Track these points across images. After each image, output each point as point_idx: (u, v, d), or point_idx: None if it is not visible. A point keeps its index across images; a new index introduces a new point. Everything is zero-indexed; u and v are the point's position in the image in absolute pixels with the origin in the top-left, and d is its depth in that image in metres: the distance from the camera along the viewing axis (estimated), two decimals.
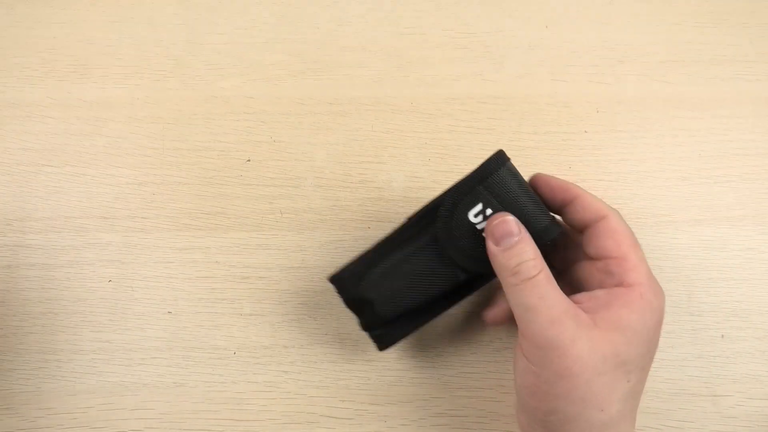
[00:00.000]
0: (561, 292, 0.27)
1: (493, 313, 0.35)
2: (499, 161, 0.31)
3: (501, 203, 0.30)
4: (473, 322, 0.39)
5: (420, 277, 0.33)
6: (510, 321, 0.33)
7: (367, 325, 0.35)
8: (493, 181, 0.31)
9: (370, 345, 0.39)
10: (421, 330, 0.39)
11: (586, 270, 0.31)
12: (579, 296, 0.29)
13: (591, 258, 0.31)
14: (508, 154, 0.44)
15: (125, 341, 0.39)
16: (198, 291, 0.40)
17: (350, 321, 0.39)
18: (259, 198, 0.42)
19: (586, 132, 0.45)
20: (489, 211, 0.31)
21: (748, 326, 0.39)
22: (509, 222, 0.29)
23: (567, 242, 0.34)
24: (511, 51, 0.47)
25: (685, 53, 0.47)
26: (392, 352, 0.39)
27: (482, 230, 0.31)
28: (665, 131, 0.45)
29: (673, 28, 0.48)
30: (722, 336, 0.39)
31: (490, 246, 0.29)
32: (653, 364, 0.38)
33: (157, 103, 0.45)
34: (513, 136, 0.44)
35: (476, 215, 0.31)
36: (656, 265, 0.41)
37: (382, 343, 0.35)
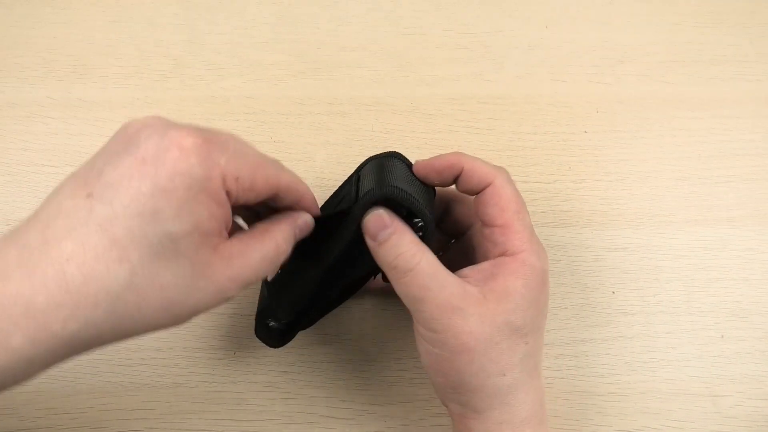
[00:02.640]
0: (446, 273, 0.28)
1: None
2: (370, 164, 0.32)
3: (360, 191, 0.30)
4: None
5: (300, 281, 0.33)
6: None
7: (259, 314, 0.35)
8: (362, 174, 0.32)
9: (370, 345, 0.39)
10: None
11: (478, 237, 0.32)
12: (467, 270, 0.29)
13: (482, 225, 0.31)
14: (508, 153, 0.44)
15: (125, 341, 0.39)
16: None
17: (350, 321, 0.39)
18: None
19: (586, 132, 0.45)
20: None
21: (748, 326, 0.39)
22: (381, 216, 0.28)
23: (461, 210, 0.35)
24: (511, 51, 0.47)
25: (685, 53, 0.47)
26: (392, 353, 0.39)
27: None
28: (665, 131, 0.45)
29: (673, 28, 0.48)
30: (722, 336, 0.39)
31: (369, 242, 0.29)
32: (653, 364, 0.38)
33: (157, 103, 0.45)
34: (513, 136, 0.44)
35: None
36: (656, 265, 0.41)
37: (281, 339, 0.35)
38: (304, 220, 0.29)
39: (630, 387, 0.38)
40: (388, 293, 0.38)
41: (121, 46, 0.47)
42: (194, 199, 0.23)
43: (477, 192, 0.31)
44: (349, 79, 0.46)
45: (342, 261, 0.30)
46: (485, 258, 0.30)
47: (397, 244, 0.28)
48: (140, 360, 0.38)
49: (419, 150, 0.44)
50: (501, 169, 0.31)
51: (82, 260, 0.21)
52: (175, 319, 0.24)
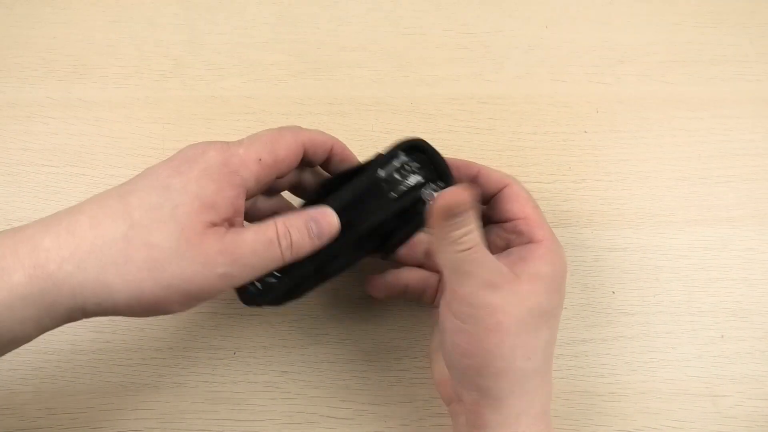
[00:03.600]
0: (490, 254, 0.29)
1: (379, 283, 0.36)
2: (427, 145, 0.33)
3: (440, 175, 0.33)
4: None
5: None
6: (394, 295, 0.36)
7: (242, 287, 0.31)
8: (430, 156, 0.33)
9: (370, 345, 0.39)
10: (421, 329, 0.39)
11: (492, 234, 0.34)
12: (498, 256, 0.31)
13: (499, 222, 0.33)
14: (508, 153, 0.44)
15: (125, 341, 0.39)
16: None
17: (350, 321, 0.39)
18: None
19: (586, 132, 0.45)
20: (416, 178, 0.33)
21: (748, 326, 0.39)
22: (463, 193, 0.28)
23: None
24: (511, 51, 0.47)
25: (685, 53, 0.47)
26: (392, 353, 0.39)
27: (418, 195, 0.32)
28: (665, 131, 0.45)
29: (673, 28, 0.48)
30: (722, 336, 0.39)
31: (437, 216, 0.28)
32: (653, 364, 0.38)
33: (157, 103, 0.45)
34: (513, 136, 0.44)
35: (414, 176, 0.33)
36: (656, 265, 0.41)
37: (257, 299, 0.32)
38: (319, 211, 0.30)
39: (630, 387, 0.38)
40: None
41: (121, 46, 0.47)
42: (205, 177, 0.27)
43: (493, 193, 0.34)
44: (349, 79, 0.46)
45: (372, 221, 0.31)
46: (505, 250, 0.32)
47: (468, 223, 0.28)
48: (140, 360, 0.38)
49: None
50: (507, 174, 0.34)
51: (93, 214, 0.26)
52: (158, 284, 0.25)
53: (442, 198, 0.28)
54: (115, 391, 0.38)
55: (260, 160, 0.29)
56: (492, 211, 0.34)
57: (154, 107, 0.45)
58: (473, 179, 0.34)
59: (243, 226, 0.29)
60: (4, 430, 0.37)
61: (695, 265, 0.41)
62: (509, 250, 0.32)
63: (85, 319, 0.39)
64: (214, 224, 0.26)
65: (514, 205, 0.32)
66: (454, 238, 0.28)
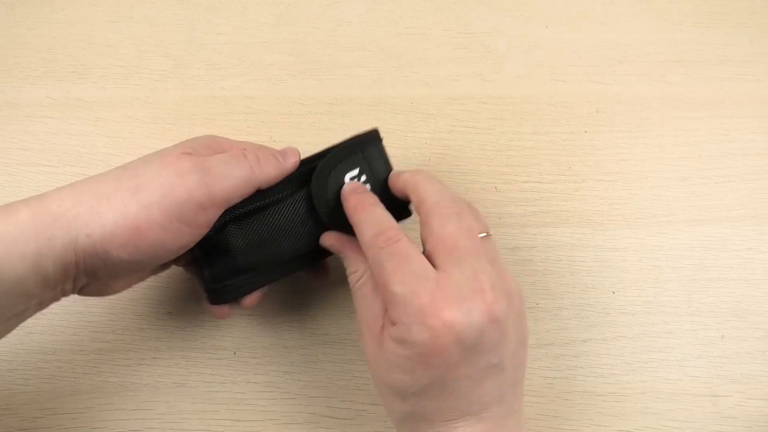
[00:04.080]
0: (418, 252, 0.28)
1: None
2: (375, 138, 0.34)
3: (374, 175, 0.33)
4: None
5: (288, 229, 0.33)
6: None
7: (215, 277, 0.33)
8: (370, 153, 0.34)
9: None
10: None
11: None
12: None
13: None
14: (508, 153, 0.44)
15: (125, 341, 0.39)
16: (198, 291, 0.40)
17: (351, 321, 0.39)
18: None
19: (586, 132, 0.45)
20: (363, 178, 0.33)
21: (748, 326, 0.39)
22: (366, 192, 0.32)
23: None
24: (511, 51, 0.47)
25: (685, 53, 0.47)
26: None
27: None
28: (665, 131, 0.45)
29: (673, 28, 0.48)
30: (722, 336, 0.39)
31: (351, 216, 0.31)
32: (653, 364, 0.38)
33: (157, 103, 0.45)
34: (513, 136, 0.44)
35: (351, 179, 0.33)
36: (656, 265, 0.41)
37: (226, 295, 0.33)
38: (284, 148, 0.33)
39: (630, 387, 0.38)
40: None
41: (121, 46, 0.47)
42: (192, 141, 0.32)
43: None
44: (349, 79, 0.46)
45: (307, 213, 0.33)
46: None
47: (384, 219, 0.30)
48: (140, 360, 0.38)
49: (419, 150, 0.44)
50: (422, 172, 0.32)
51: (96, 175, 0.29)
52: (138, 202, 0.28)
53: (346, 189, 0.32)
54: (115, 391, 0.38)
55: (245, 150, 0.32)
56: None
57: (154, 107, 0.45)
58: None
59: None
60: (4, 430, 0.37)
61: (695, 265, 0.41)
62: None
63: (84, 319, 0.39)
64: (185, 154, 0.30)
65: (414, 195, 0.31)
66: (371, 233, 0.29)
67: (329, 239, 0.33)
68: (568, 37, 0.48)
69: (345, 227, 0.31)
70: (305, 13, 0.48)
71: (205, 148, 0.31)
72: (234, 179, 0.30)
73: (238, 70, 0.46)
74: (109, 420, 0.37)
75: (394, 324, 0.26)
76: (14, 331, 0.39)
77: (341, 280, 0.40)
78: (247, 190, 0.31)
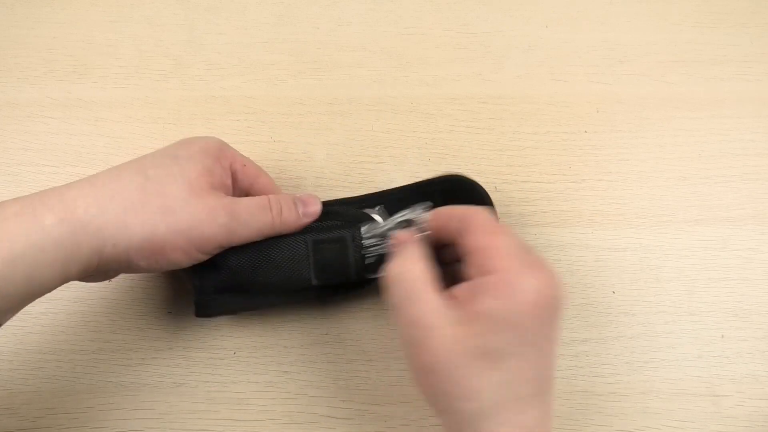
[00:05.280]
0: (431, 290, 0.28)
1: None
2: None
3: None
4: None
5: (282, 265, 0.34)
6: None
7: (202, 289, 0.34)
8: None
9: (370, 345, 0.39)
10: None
11: (464, 270, 0.30)
12: (457, 288, 0.29)
13: (466, 255, 0.30)
14: (508, 153, 0.44)
15: (125, 341, 0.39)
16: None
17: (350, 321, 0.39)
18: None
19: (586, 132, 0.45)
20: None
21: (748, 326, 0.39)
22: (399, 235, 0.33)
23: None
24: (511, 51, 0.47)
25: (685, 53, 0.47)
26: (392, 352, 0.39)
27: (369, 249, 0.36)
28: (665, 131, 0.45)
29: (673, 28, 0.48)
30: (722, 336, 0.39)
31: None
32: (653, 364, 0.38)
33: (157, 103, 0.45)
34: (513, 136, 0.44)
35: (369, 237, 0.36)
36: (656, 265, 0.41)
37: (211, 309, 0.35)
38: (306, 195, 0.36)
39: (630, 387, 0.38)
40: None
41: (121, 46, 0.47)
42: (204, 152, 0.33)
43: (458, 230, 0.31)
44: (349, 79, 0.46)
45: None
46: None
47: (401, 254, 0.31)
48: (140, 360, 0.38)
49: (419, 150, 0.44)
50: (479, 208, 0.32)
51: (111, 173, 0.31)
52: (168, 225, 0.29)
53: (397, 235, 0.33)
54: (115, 391, 0.38)
55: (245, 165, 0.35)
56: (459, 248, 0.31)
57: (154, 107, 0.45)
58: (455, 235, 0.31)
59: None
60: (4, 430, 0.37)
61: (695, 265, 0.41)
62: (466, 283, 0.29)
63: (84, 319, 0.39)
64: (209, 184, 0.32)
65: (470, 238, 0.29)
66: (388, 269, 0.30)
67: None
68: (568, 37, 0.48)
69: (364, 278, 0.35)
70: (305, 13, 0.48)
71: (218, 165, 0.33)
72: (256, 230, 0.33)
73: (238, 70, 0.46)
74: (109, 420, 0.37)
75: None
76: (14, 331, 0.39)
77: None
78: (263, 237, 0.33)
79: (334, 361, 0.39)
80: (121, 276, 0.40)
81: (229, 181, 0.34)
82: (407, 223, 0.34)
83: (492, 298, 0.27)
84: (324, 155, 0.43)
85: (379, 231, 0.35)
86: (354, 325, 0.39)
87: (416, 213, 0.34)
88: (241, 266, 0.34)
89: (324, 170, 0.43)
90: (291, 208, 0.34)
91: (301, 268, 0.34)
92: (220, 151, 0.34)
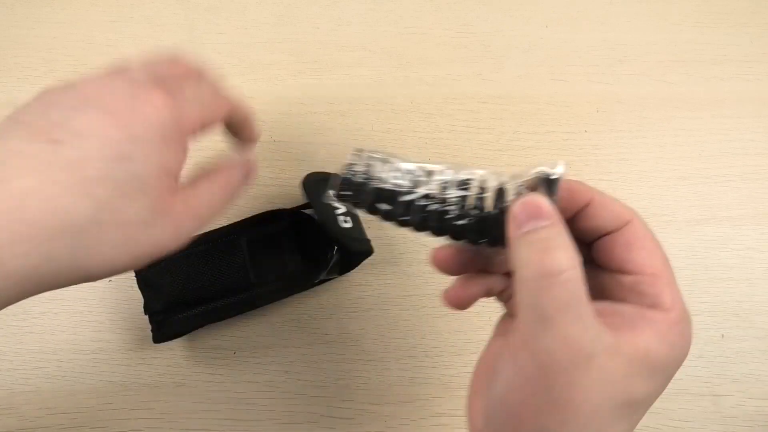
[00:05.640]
0: (588, 300, 0.21)
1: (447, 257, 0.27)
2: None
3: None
4: (474, 322, 0.39)
5: (218, 270, 0.36)
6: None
7: (151, 312, 0.36)
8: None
9: (370, 345, 0.39)
10: (421, 329, 0.39)
11: (597, 282, 0.25)
12: (602, 305, 0.24)
13: (612, 270, 0.25)
14: (508, 153, 0.44)
15: (125, 341, 0.39)
16: None
17: (350, 321, 0.39)
18: (258, 198, 0.42)
19: (586, 132, 0.45)
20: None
21: (748, 326, 0.39)
22: (540, 202, 0.23)
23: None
24: (511, 51, 0.47)
25: (685, 53, 0.47)
26: (392, 353, 0.39)
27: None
28: (665, 131, 0.45)
29: (673, 28, 0.48)
30: (722, 336, 0.39)
31: (512, 231, 0.23)
32: None
33: None
34: (513, 136, 0.44)
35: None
36: None
37: (163, 331, 0.36)
38: (247, 163, 0.30)
39: None
40: (388, 292, 0.38)
41: (121, 46, 0.47)
42: (165, 146, 0.24)
43: (608, 230, 0.25)
44: (349, 79, 0.46)
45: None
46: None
47: (552, 238, 0.22)
48: (140, 360, 0.38)
49: (419, 150, 0.44)
50: (630, 207, 0.25)
51: (45, 195, 0.21)
52: (133, 258, 0.24)
53: (515, 206, 0.23)
54: (115, 391, 0.38)
55: (203, 125, 0.28)
56: (602, 254, 0.25)
57: None
58: (581, 209, 0.25)
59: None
60: (4, 430, 0.37)
61: (695, 265, 0.41)
62: (623, 305, 0.24)
63: (84, 319, 0.39)
64: (173, 188, 0.25)
65: (640, 254, 0.24)
66: (533, 257, 0.21)
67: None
68: (568, 37, 0.48)
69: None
70: (305, 13, 0.48)
71: (175, 149, 0.25)
72: (215, 216, 0.28)
73: (238, 70, 0.46)
74: (109, 420, 0.37)
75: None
76: (14, 331, 0.39)
77: (342, 281, 0.40)
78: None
79: (334, 361, 0.39)
80: (122, 276, 0.40)
81: (186, 156, 0.26)
82: (498, 193, 0.25)
83: (658, 339, 0.22)
84: (324, 155, 0.43)
85: (458, 178, 0.26)
86: (354, 325, 0.39)
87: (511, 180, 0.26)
88: (173, 281, 0.35)
89: (324, 170, 0.43)
90: (241, 182, 0.29)
91: (237, 269, 0.35)
92: (176, 130, 0.25)
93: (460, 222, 0.24)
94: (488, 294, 0.27)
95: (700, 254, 0.41)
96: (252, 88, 0.46)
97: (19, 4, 0.48)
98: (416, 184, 0.25)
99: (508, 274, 0.27)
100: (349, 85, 0.46)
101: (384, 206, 0.25)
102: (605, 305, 0.24)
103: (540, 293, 0.21)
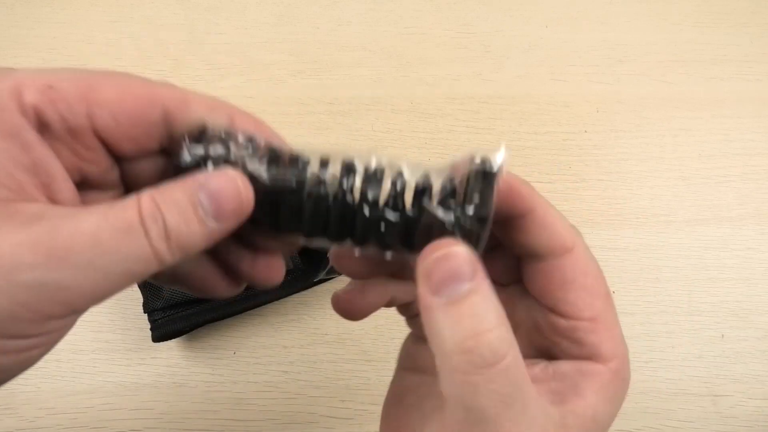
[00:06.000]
0: (528, 379, 0.18)
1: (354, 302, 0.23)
2: None
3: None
4: None
5: None
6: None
7: (149, 310, 0.36)
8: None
9: (370, 345, 0.39)
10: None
11: (533, 317, 0.21)
12: (538, 369, 0.20)
13: (544, 306, 0.21)
14: (509, 154, 0.44)
15: (125, 341, 0.39)
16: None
17: (350, 321, 0.39)
18: None
19: (586, 132, 0.45)
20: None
21: (748, 326, 0.39)
22: (458, 256, 0.17)
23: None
24: (511, 51, 0.47)
25: (685, 53, 0.47)
26: (392, 353, 0.39)
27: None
28: (665, 131, 0.45)
29: (673, 28, 0.48)
30: (722, 336, 0.39)
31: (425, 296, 0.17)
32: (653, 364, 0.38)
33: None
34: (513, 136, 0.44)
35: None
36: (656, 265, 0.41)
37: (162, 330, 0.36)
38: (215, 176, 0.18)
39: (630, 387, 0.38)
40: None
41: (121, 46, 0.47)
42: None
43: (540, 254, 0.20)
44: (349, 79, 0.46)
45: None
46: (554, 354, 0.21)
47: (480, 313, 0.16)
48: (140, 360, 0.38)
49: (419, 150, 0.44)
50: (574, 228, 0.21)
51: None
52: None
53: (425, 263, 0.17)
54: (115, 391, 0.38)
55: (51, 88, 0.16)
56: (532, 283, 0.21)
57: None
58: (516, 217, 0.20)
59: (77, 202, 0.18)
60: (4, 430, 0.37)
61: (695, 265, 0.41)
62: (559, 363, 0.20)
63: (84, 319, 0.39)
64: (10, 204, 0.16)
65: (579, 296, 0.20)
66: (456, 339, 0.16)
67: None
68: (568, 37, 0.48)
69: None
70: (305, 13, 0.48)
71: (17, 145, 0.16)
72: (117, 274, 0.16)
73: (238, 70, 0.46)
74: (109, 420, 0.37)
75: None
76: None
77: (342, 281, 0.40)
78: (137, 280, 0.17)
79: (334, 361, 0.39)
80: None
81: (42, 154, 0.17)
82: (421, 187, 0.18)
83: (601, 397, 0.19)
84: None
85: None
86: (354, 325, 0.39)
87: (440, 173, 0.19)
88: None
89: None
90: (187, 212, 0.17)
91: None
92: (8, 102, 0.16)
93: (370, 224, 0.18)
94: (390, 304, 0.23)
95: (700, 254, 0.41)
96: (252, 87, 0.46)
97: (19, 4, 0.48)
98: (304, 177, 0.19)
99: None
100: (349, 85, 0.46)
101: (265, 212, 0.19)
102: (542, 369, 0.20)
103: (475, 390, 0.16)
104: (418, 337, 0.24)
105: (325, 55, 0.47)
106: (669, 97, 0.46)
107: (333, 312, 0.40)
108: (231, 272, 0.21)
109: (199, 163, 0.19)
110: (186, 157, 0.19)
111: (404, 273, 0.22)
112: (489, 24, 0.48)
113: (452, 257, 0.17)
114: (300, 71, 0.46)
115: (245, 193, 0.18)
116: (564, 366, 0.20)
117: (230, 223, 0.18)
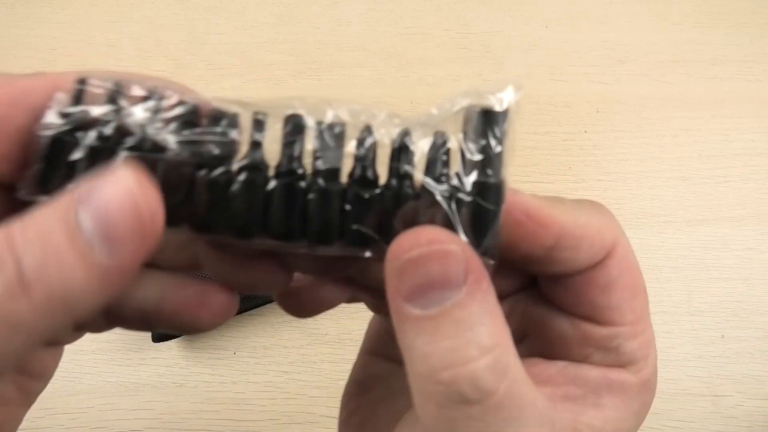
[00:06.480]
0: (533, 395, 0.14)
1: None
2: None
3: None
4: None
5: None
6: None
7: None
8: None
9: None
10: None
11: (552, 330, 0.17)
12: (555, 370, 0.17)
13: (573, 314, 0.17)
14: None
15: (125, 341, 0.39)
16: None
17: (350, 321, 0.39)
18: None
19: (586, 132, 0.45)
20: None
21: (748, 326, 0.39)
22: (446, 253, 0.13)
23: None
24: (511, 51, 0.47)
25: (685, 53, 0.47)
26: None
27: None
28: (665, 131, 0.45)
29: (673, 28, 0.48)
30: (722, 336, 0.39)
31: (394, 297, 0.13)
32: None
33: None
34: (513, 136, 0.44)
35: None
36: (656, 265, 0.41)
37: (160, 332, 0.36)
38: (102, 189, 0.12)
39: None
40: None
41: (121, 46, 0.47)
42: None
43: (580, 270, 0.16)
44: (349, 79, 0.46)
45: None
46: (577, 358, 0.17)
47: (466, 334, 0.13)
48: (140, 360, 0.38)
49: None
50: (608, 213, 0.17)
51: None
52: None
53: (395, 248, 0.13)
54: (115, 391, 0.38)
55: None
56: (560, 293, 0.17)
57: None
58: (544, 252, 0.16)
59: None
60: None
61: (695, 265, 0.41)
62: (584, 369, 0.17)
63: None
64: None
65: (622, 297, 0.16)
66: (434, 360, 0.13)
67: None
68: (568, 37, 0.48)
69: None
70: (305, 13, 0.48)
71: None
72: None
73: (238, 70, 0.46)
74: (109, 420, 0.37)
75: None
76: None
77: None
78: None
79: (334, 361, 0.39)
80: None
81: None
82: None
83: (625, 411, 0.16)
84: None
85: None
86: (354, 325, 0.39)
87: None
88: None
89: None
90: (55, 245, 0.11)
91: None
92: None
93: (328, 209, 0.13)
94: (351, 301, 0.20)
95: (700, 254, 0.41)
96: (252, 88, 0.46)
97: (19, 4, 0.48)
98: (229, 143, 0.14)
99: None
100: (349, 85, 0.46)
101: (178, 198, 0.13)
102: (560, 370, 0.17)
103: (452, 427, 0.13)
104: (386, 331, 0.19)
105: (325, 56, 0.47)
106: (669, 98, 0.46)
107: (333, 312, 0.40)
108: (223, 285, 0.17)
109: (71, 144, 0.12)
110: (46, 132, 0.12)
111: (365, 278, 0.18)
112: (489, 24, 0.48)
113: (435, 254, 0.12)
114: (300, 71, 0.46)
115: (148, 196, 0.12)
116: (587, 371, 0.17)
117: (133, 249, 0.12)
